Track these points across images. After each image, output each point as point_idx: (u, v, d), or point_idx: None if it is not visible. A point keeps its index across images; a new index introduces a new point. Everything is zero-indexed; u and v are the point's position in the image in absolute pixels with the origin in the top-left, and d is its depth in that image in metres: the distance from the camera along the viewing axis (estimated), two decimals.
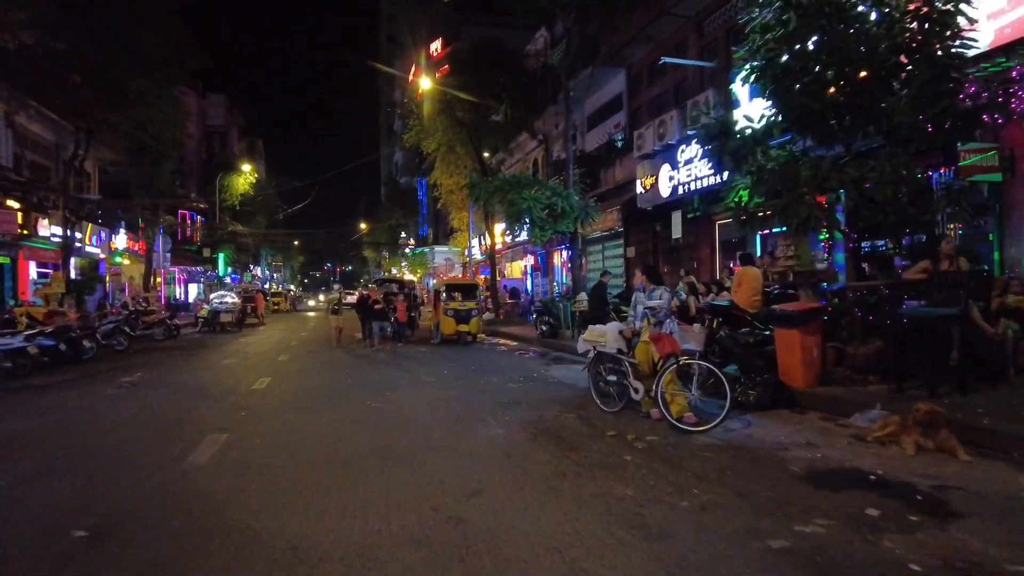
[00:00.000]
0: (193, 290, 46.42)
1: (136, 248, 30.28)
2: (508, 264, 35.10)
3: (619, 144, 20.98)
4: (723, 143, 9.09)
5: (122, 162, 28.98)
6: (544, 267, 31.09)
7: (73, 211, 22.23)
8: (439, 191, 31.60)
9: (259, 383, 10.68)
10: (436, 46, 36.49)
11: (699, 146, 14.76)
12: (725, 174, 10.68)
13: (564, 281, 29.29)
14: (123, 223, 28.51)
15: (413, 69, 36.70)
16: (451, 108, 24.87)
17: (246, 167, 45.07)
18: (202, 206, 45.83)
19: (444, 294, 18.09)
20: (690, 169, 15.83)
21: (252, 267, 69.48)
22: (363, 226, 73.26)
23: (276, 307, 42.72)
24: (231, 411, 8.29)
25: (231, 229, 45.09)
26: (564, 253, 28.93)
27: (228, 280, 52.27)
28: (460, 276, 34.29)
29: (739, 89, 13.43)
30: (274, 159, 62.64)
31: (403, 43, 54.24)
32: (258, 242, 56.52)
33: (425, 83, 26.30)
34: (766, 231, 12.60)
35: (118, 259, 31.00)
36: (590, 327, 8.38)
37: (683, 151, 16.04)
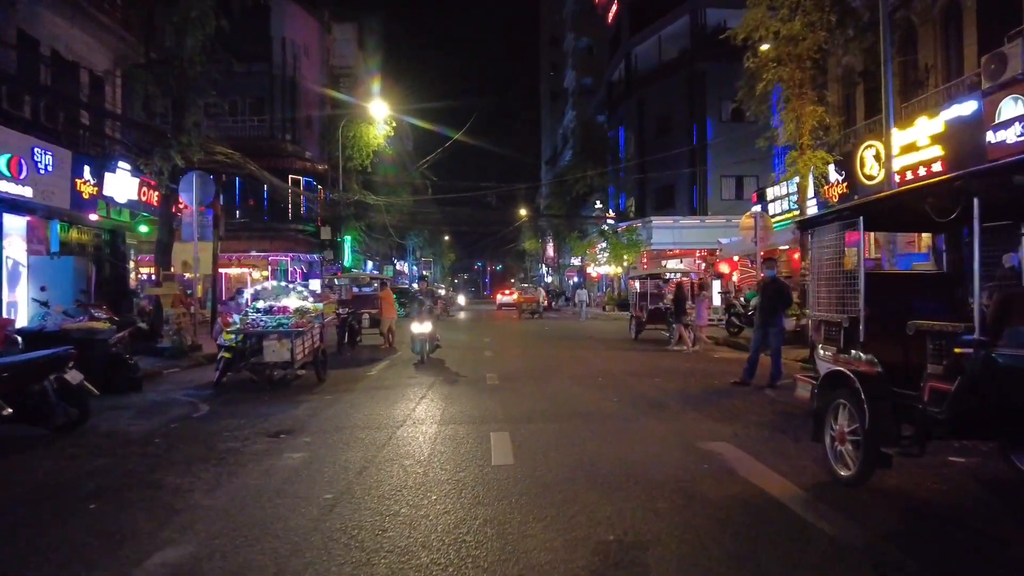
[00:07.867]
0: (316, 288, 32.68)
1: (150, 200, 15.66)
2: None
3: None
4: None
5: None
6: None
7: None
8: (754, 61, 14.39)
9: None
10: None
11: None
12: None
13: None
14: (118, 152, 13.96)
15: None
16: None
17: (381, 110, 30.10)
18: (320, 167, 31.94)
19: None
20: None
21: (397, 261, 56.60)
22: (523, 212, 58.17)
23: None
24: None
25: (356, 198, 30.58)
26: None
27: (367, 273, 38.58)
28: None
29: None
30: (418, 131, 47.55)
31: None
32: (402, 224, 41.74)
33: None
34: None
35: (142, 227, 16.96)
36: None
37: None
